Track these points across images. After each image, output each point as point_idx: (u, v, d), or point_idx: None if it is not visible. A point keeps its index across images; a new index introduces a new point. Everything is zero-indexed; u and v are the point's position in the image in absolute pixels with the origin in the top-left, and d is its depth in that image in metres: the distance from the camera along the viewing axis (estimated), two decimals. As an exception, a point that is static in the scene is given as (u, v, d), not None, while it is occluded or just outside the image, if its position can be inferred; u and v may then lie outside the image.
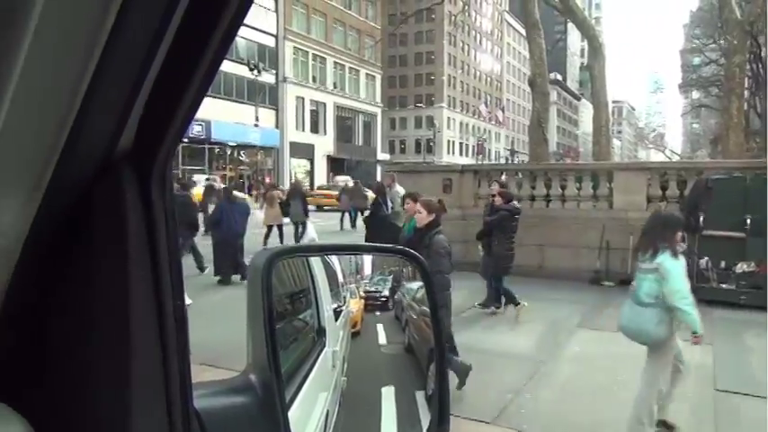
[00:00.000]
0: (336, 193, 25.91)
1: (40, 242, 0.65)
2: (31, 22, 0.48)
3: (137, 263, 0.65)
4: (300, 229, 15.14)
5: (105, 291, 0.66)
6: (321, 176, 48.09)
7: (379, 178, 38.31)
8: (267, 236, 14.77)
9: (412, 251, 1.21)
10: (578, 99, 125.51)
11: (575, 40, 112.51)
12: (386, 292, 1.33)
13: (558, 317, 8.55)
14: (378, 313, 1.33)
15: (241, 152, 43.35)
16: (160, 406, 0.67)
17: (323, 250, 1.29)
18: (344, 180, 34.22)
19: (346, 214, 21.67)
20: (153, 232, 0.67)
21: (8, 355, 0.68)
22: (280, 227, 14.98)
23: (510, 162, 69.64)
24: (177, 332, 0.69)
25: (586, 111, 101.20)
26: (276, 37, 45.58)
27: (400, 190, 12.77)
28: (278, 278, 1.01)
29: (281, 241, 14.47)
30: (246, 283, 0.97)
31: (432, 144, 73.59)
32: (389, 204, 11.72)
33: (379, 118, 62.00)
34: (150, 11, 0.54)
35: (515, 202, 8.85)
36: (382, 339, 1.29)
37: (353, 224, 21.12)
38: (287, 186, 25.70)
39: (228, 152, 41.98)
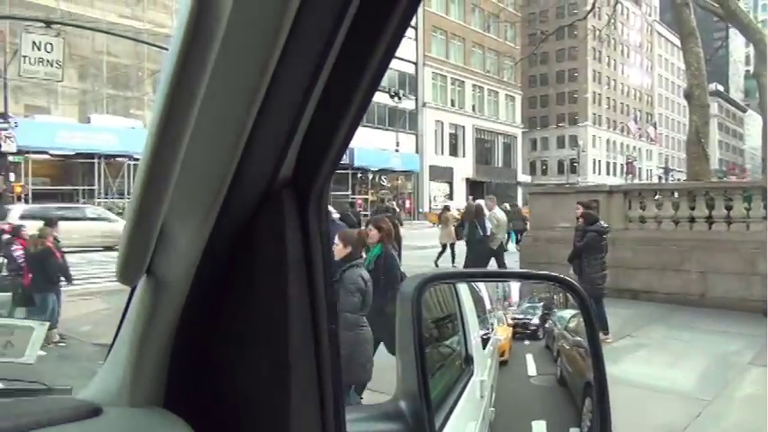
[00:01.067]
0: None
1: (210, 265, 0.70)
2: (208, 66, 0.54)
3: (295, 286, 0.68)
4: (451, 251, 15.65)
5: (266, 311, 0.69)
6: (460, 199, 48.02)
7: (519, 201, 37.35)
8: (440, 254, 15.65)
9: (566, 278, 1.14)
10: (744, 111, 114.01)
11: (738, 45, 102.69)
12: (535, 320, 1.27)
13: (726, 351, 7.70)
14: (527, 342, 1.27)
15: (382, 177, 44.62)
16: (315, 430, 0.68)
17: (472, 276, 1.27)
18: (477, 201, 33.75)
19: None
20: (310, 258, 0.69)
21: (177, 366, 0.73)
22: (452, 246, 15.57)
23: (664, 181, 64.68)
24: (331, 356, 0.70)
25: (753, 123, 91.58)
26: (416, 64, 46.63)
27: (499, 213, 12.56)
28: (423, 302, 1.00)
29: (453, 260, 14.91)
30: (397, 309, 0.97)
31: (575, 164, 70.60)
32: (487, 227, 11.58)
33: (519, 139, 60.80)
34: (312, 45, 0.57)
35: (602, 222, 8.53)
36: (532, 370, 1.23)
37: (518, 243, 21.16)
38: (425, 209, 25.95)
39: (370, 177, 43.40)
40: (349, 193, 39.06)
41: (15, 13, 25.33)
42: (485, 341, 1.22)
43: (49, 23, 20.34)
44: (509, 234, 21.22)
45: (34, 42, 19.99)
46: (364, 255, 5.09)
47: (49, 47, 20.06)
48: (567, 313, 1.21)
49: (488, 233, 11.61)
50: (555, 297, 1.26)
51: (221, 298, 0.72)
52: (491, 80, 55.09)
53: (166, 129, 0.56)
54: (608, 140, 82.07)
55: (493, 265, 11.51)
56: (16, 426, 0.66)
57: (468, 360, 1.18)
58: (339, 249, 4.61)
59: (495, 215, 12.42)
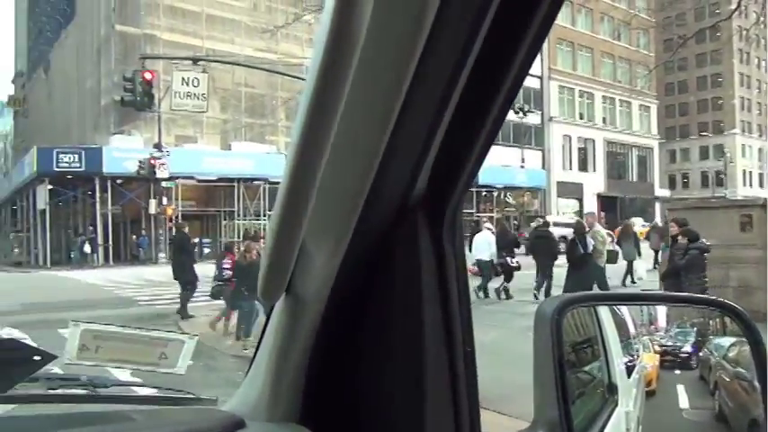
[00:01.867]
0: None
1: (345, 284, 0.70)
2: (344, 90, 0.54)
3: (429, 306, 0.67)
4: (630, 268, 15.06)
5: (400, 330, 0.68)
6: (591, 216, 45.90)
7: (657, 217, 34.92)
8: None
9: (728, 302, 1.03)
10: None
11: None
12: (687, 348, 1.16)
13: None
14: (677, 371, 1.16)
15: (507, 194, 43.77)
16: None
17: (616, 300, 1.18)
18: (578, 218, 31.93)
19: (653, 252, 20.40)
20: (444, 277, 0.68)
21: (313, 382, 0.74)
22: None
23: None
24: (467, 379, 0.68)
25: None
26: (541, 78, 45.49)
27: (601, 230, 12.02)
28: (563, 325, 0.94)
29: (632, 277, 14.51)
30: (533, 331, 0.93)
31: (722, 176, 64.78)
32: (590, 244, 11.22)
33: (655, 151, 57.02)
34: (446, 61, 0.57)
35: (704, 240, 8.05)
36: (684, 403, 1.12)
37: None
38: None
39: (495, 194, 42.75)
40: (474, 210, 38.73)
41: (167, 54, 28.13)
42: (629, 369, 1.13)
43: (195, 61, 22.35)
44: (657, 251, 19.92)
45: (183, 78, 22.06)
46: None
47: (195, 82, 22.03)
48: (726, 341, 1.09)
49: (590, 250, 11.15)
50: (711, 323, 1.14)
51: (356, 316, 0.72)
52: (623, 90, 52.32)
53: (305, 153, 0.57)
54: (760, 149, 74.57)
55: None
56: None
57: (612, 389, 1.09)
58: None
59: (598, 232, 11.94)
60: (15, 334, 8.75)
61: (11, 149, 61.93)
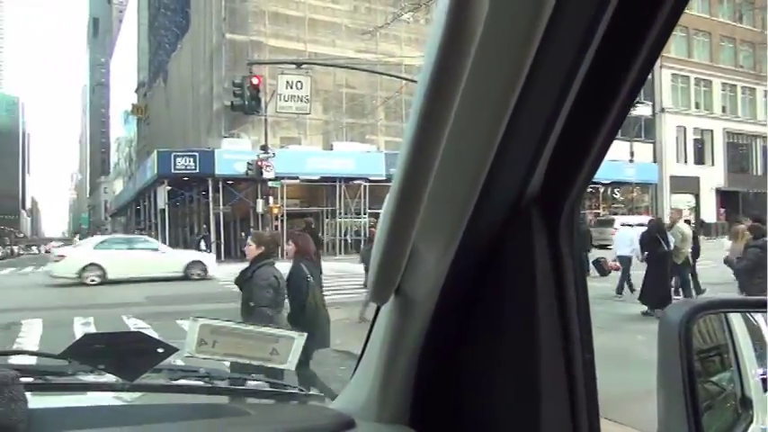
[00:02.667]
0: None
1: (456, 285, 0.68)
2: (458, 86, 0.52)
3: (545, 309, 0.64)
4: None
5: (513, 334, 0.65)
6: (709, 213, 42.74)
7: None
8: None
9: None
10: None
11: None
12: (835, 361, 1.03)
13: None
14: (823, 386, 1.04)
15: (615, 190, 41.73)
16: None
17: (755, 306, 1.08)
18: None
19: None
20: (561, 278, 0.64)
21: (422, 384, 0.73)
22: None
23: None
24: (587, 388, 0.64)
25: None
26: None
27: (683, 227, 11.17)
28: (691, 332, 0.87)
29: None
30: (657, 338, 0.86)
31: None
32: (671, 241, 10.66)
33: (784, 141, 52.14)
34: (564, 52, 0.56)
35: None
36: (831, 421, 1.00)
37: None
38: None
39: (602, 191, 40.92)
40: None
41: (272, 59, 29.33)
42: (765, 381, 1.03)
43: (299, 64, 23.15)
44: None
45: (287, 82, 22.91)
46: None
47: (299, 85, 22.82)
48: None
49: (671, 248, 10.63)
50: None
51: (466, 318, 0.70)
52: (745, 76, 48.27)
53: (417, 153, 0.56)
54: None
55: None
56: (284, 430, 0.72)
57: (746, 403, 1.00)
58: (252, 249, 4.83)
59: (680, 229, 11.17)
60: (140, 324, 9.49)
61: (135, 154, 67.18)
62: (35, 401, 0.84)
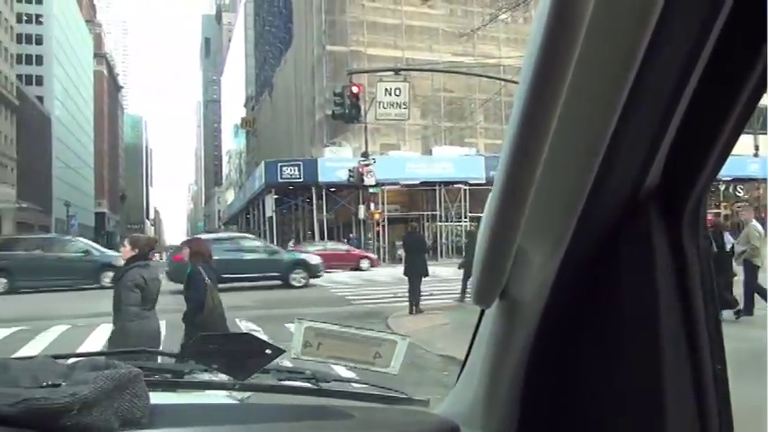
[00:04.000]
0: None
1: (566, 287, 0.64)
2: (564, 82, 0.50)
3: (668, 315, 0.60)
4: None
5: (632, 342, 0.61)
6: None
7: None
8: None
9: None
10: None
11: None
12: None
13: None
14: None
15: (737, 187, 38.63)
16: None
17: None
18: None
19: None
20: (685, 282, 0.60)
21: (532, 391, 0.69)
22: None
23: None
24: (718, 402, 0.60)
25: None
26: (777, 51, 39.42)
27: (758, 226, 9.80)
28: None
29: None
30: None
31: None
32: (729, 242, 9.84)
33: None
34: (686, 29, 0.52)
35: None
36: None
37: None
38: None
39: (722, 188, 38.02)
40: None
41: (372, 67, 29.88)
42: None
43: (397, 71, 23.41)
44: None
45: (386, 89, 23.23)
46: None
47: (397, 91, 23.06)
48: None
49: (727, 248, 9.74)
50: None
51: (577, 323, 0.66)
52: None
53: (521, 149, 0.53)
54: None
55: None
56: None
57: None
58: (126, 251, 5.15)
59: (756, 228, 9.96)
60: (252, 327, 9.96)
61: (244, 165, 70.88)
62: (156, 397, 0.89)
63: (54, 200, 73.46)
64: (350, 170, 30.35)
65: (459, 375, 0.92)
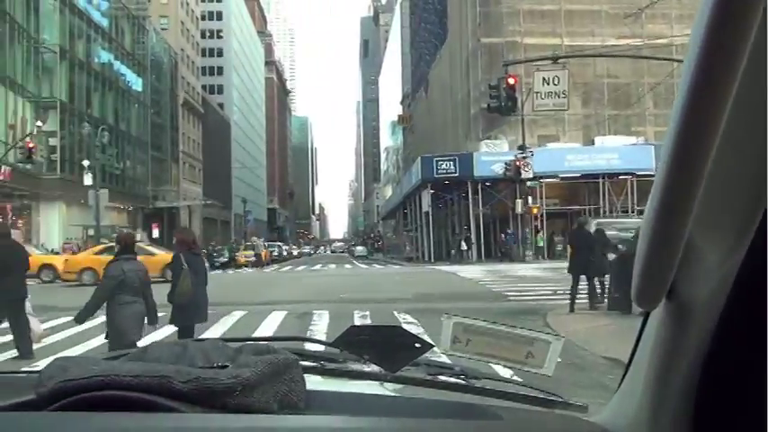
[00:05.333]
0: None
1: (749, 286, 0.59)
2: (741, 61, 0.47)
3: None
4: None
5: None
6: None
7: None
8: None
9: None
10: None
11: None
12: None
13: None
14: None
15: None
16: None
17: None
18: None
19: None
20: None
21: (706, 401, 0.61)
22: None
23: None
24: None
25: None
26: None
27: None
28: None
29: None
30: None
31: None
32: None
33: None
34: None
35: None
36: None
37: None
38: None
39: None
40: None
41: (528, 57, 29.00)
42: None
43: (555, 59, 22.47)
44: None
45: (544, 78, 22.40)
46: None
47: (555, 80, 22.14)
48: None
49: None
50: None
51: (764, 325, 0.59)
52: None
53: (691, 127, 0.49)
54: None
55: None
56: None
57: None
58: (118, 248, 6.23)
59: None
60: (409, 319, 10.19)
61: (401, 161, 72.65)
62: (311, 383, 0.93)
63: (233, 197, 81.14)
64: (506, 164, 29.78)
65: (622, 381, 0.85)
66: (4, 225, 10.36)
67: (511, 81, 18.06)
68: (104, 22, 45.87)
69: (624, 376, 0.84)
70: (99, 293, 5.77)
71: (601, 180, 31.20)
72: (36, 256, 19.07)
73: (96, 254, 19.57)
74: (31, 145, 27.70)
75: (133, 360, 0.88)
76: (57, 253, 28.10)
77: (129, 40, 51.03)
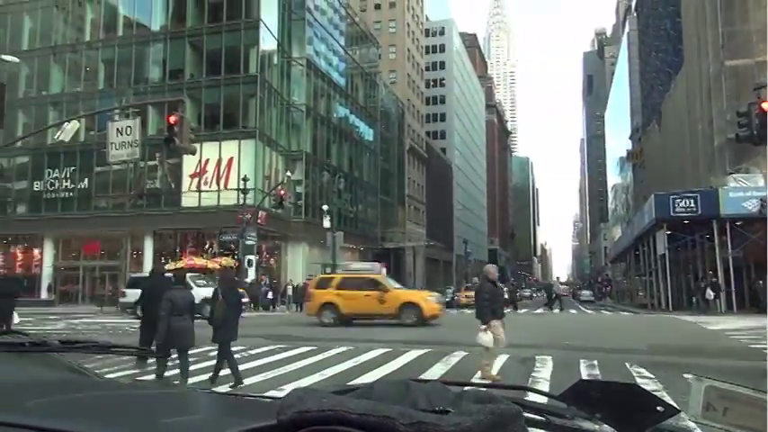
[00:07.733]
0: None
1: None
2: None
3: None
4: None
5: None
6: None
7: None
8: None
9: None
10: None
11: None
12: None
13: None
14: None
15: None
16: None
17: None
18: None
19: None
20: None
21: None
22: None
23: None
24: None
25: None
26: None
27: None
28: None
29: None
30: None
31: None
32: None
33: None
34: None
35: None
36: None
37: None
38: None
39: None
40: None
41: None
42: None
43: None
44: None
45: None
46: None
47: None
48: None
49: None
50: None
51: None
52: None
53: None
54: None
55: None
56: None
57: None
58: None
59: None
60: (644, 373, 9.18)
61: (632, 200, 67.59)
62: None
63: (455, 237, 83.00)
64: (762, 200, 25.86)
65: None
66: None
67: (765, 106, 15.77)
68: (342, 81, 51.17)
69: None
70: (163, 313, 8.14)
71: None
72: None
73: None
74: (282, 192, 31.84)
75: (359, 397, 0.91)
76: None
77: (362, 94, 56.16)
